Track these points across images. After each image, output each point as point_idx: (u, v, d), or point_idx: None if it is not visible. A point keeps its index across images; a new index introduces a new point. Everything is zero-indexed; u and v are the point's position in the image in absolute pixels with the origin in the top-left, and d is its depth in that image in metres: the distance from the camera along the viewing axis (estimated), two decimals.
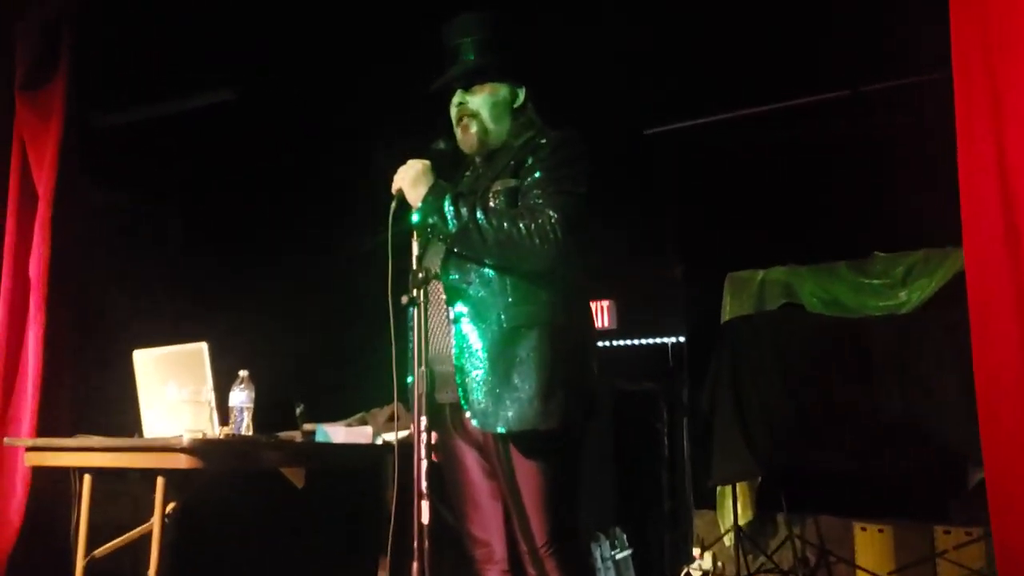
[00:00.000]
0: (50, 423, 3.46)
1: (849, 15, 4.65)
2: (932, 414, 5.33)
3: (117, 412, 3.37)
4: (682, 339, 6.84)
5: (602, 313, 6.97)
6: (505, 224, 2.38)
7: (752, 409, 6.00)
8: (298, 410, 3.41)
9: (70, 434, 3.22)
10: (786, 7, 4.73)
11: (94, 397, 3.95)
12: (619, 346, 7.05)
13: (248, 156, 5.50)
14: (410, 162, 2.49)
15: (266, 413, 3.22)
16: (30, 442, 3.10)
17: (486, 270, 2.46)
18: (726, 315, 6.43)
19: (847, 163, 5.76)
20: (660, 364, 6.84)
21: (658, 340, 6.94)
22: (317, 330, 5.38)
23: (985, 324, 2.28)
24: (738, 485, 6.12)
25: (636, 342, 7.02)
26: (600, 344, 6.91)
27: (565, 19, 4.78)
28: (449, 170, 2.59)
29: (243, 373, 3.14)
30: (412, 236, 2.46)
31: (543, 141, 2.54)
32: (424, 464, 2.26)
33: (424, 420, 2.30)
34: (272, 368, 3.49)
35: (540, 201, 2.43)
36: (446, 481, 2.66)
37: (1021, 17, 2.25)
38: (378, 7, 4.58)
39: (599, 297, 6.92)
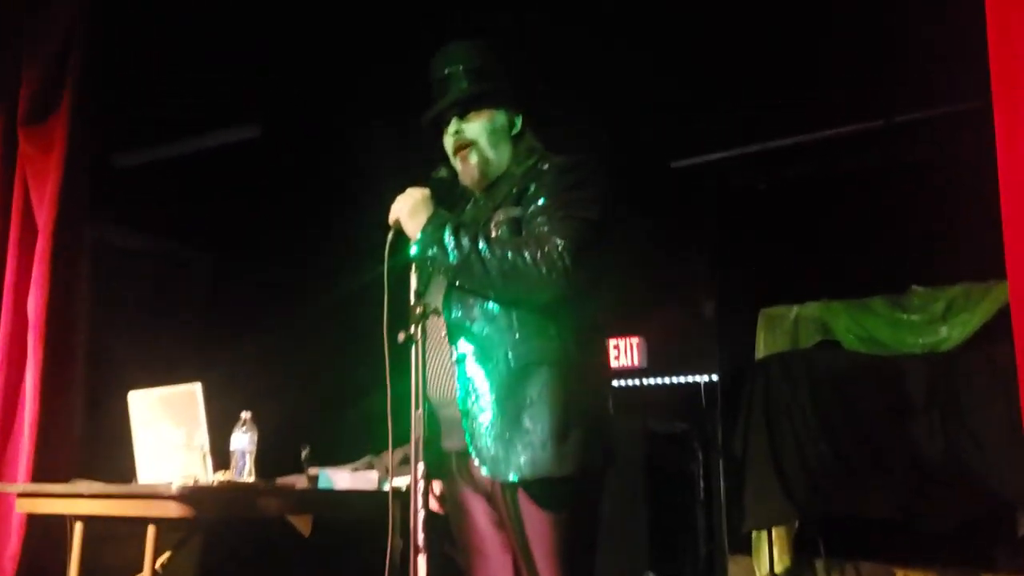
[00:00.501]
0: (48, 467, 3.33)
1: (882, 44, 4.53)
2: (977, 457, 5.13)
3: (117, 456, 3.25)
4: (715, 377, 6.64)
5: (632, 351, 6.84)
6: (509, 253, 2.22)
7: (787, 451, 5.84)
8: (304, 453, 3.27)
9: (67, 479, 3.10)
10: (818, 38, 4.65)
11: (94, 440, 3.84)
12: (650, 385, 6.88)
13: (249, 195, 5.48)
14: (408, 191, 2.35)
15: (271, 456, 3.09)
16: (20, 488, 2.98)
17: (491, 306, 2.30)
18: (760, 353, 6.31)
19: (882, 195, 5.62)
20: (693, 403, 6.65)
21: (690, 379, 6.75)
22: (326, 369, 5.27)
23: None
24: (774, 530, 5.94)
25: (667, 380, 6.84)
26: (630, 383, 6.93)
27: (595, 49, 4.71)
28: (450, 200, 2.44)
29: (245, 414, 3.02)
30: (411, 269, 2.30)
31: (546, 167, 2.39)
32: (422, 515, 2.09)
33: (422, 467, 2.13)
34: (277, 409, 3.37)
35: (546, 228, 2.26)
36: (453, 531, 2.49)
37: None
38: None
39: (629, 334, 6.78)
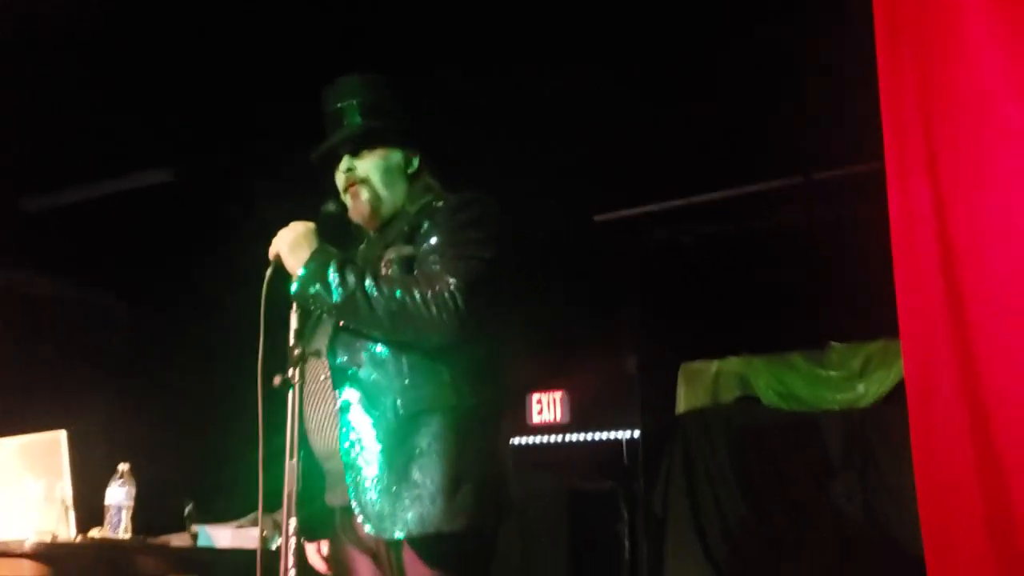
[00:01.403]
0: None
1: (801, 101, 4.56)
2: (895, 516, 5.07)
3: None
4: (637, 434, 6.55)
5: (555, 405, 6.76)
6: (398, 292, 2.09)
7: (707, 511, 5.81)
8: (187, 509, 3.06)
9: None
10: (737, 94, 4.65)
11: None
12: (572, 441, 6.77)
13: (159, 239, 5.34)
14: (291, 224, 2.20)
15: (150, 513, 2.88)
16: None
17: (379, 349, 2.16)
18: (680, 408, 6.26)
19: (801, 251, 5.63)
20: (616, 461, 6.54)
21: (613, 435, 6.65)
22: (214, 417, 5.06)
23: (925, 408, 2.09)
24: None
25: (590, 436, 6.73)
26: (553, 439, 6.81)
27: (515, 102, 4.66)
28: (340, 236, 2.29)
29: (123, 467, 2.83)
30: (291, 308, 2.15)
31: (440, 204, 2.28)
32: (292, 574, 1.91)
33: (293, 523, 1.96)
34: (164, 461, 3.16)
35: (438, 267, 2.14)
36: None
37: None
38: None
39: (552, 388, 6.70)
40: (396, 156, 2.38)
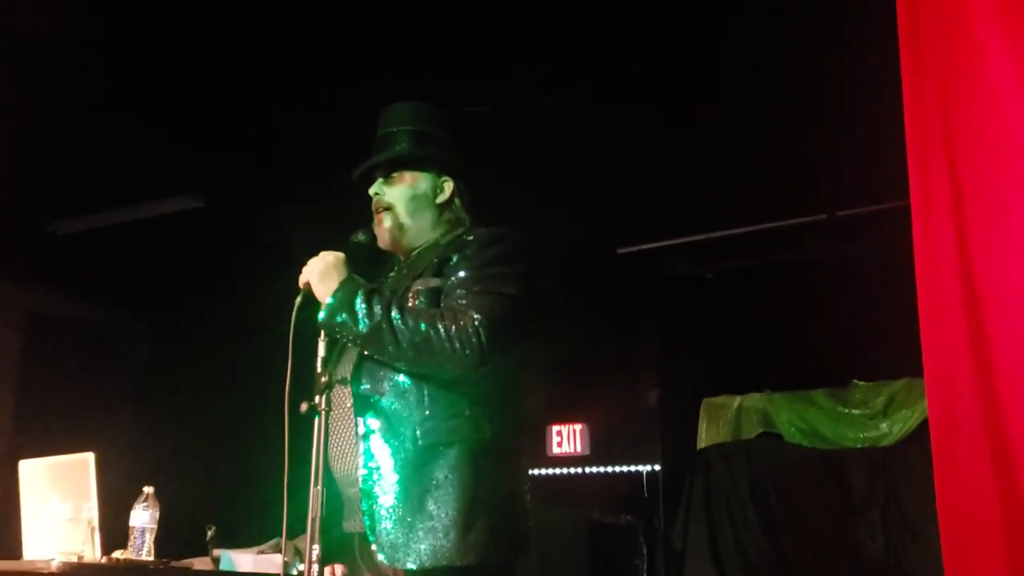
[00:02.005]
0: None
1: (827, 139, 4.57)
2: (916, 556, 5.01)
3: (7, 532, 3.04)
4: (657, 467, 6.52)
5: (575, 438, 6.75)
6: (423, 325, 2.11)
7: (727, 546, 5.75)
8: (209, 533, 3.07)
9: None
10: (765, 130, 4.68)
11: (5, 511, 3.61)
12: (592, 473, 6.75)
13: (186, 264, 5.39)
14: (322, 254, 2.23)
15: (173, 535, 2.90)
16: None
17: (402, 379, 2.17)
18: (701, 443, 6.26)
19: (826, 288, 5.60)
20: (636, 494, 6.52)
21: (633, 468, 6.63)
22: (240, 443, 5.08)
23: (950, 452, 2.07)
24: None
25: (610, 469, 6.72)
26: (573, 471, 6.79)
27: (541, 135, 4.70)
28: (368, 266, 2.33)
29: (148, 490, 2.84)
30: (319, 335, 2.17)
31: (470, 238, 2.29)
32: None
33: (317, 549, 1.97)
34: (184, 484, 3.17)
35: (464, 302, 2.16)
36: None
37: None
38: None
39: (572, 420, 6.69)
40: (425, 183, 2.40)
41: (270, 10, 3.94)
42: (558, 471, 6.67)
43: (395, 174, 2.39)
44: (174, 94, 4.45)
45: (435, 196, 2.41)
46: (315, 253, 2.27)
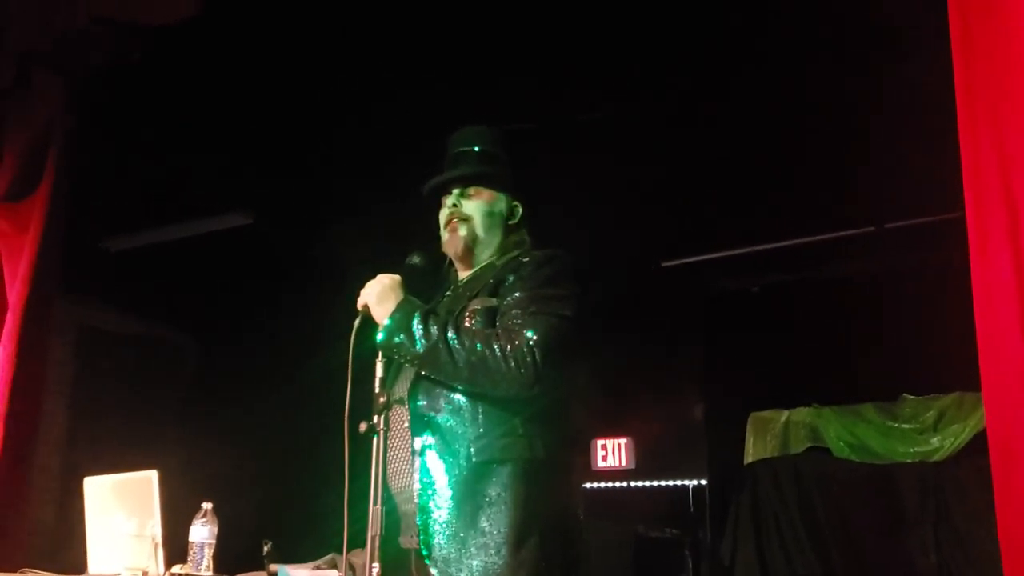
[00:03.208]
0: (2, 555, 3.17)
1: (875, 151, 4.55)
2: (969, 571, 4.93)
3: (79, 545, 3.10)
4: (704, 481, 6.49)
5: (620, 451, 6.74)
6: (478, 345, 2.15)
7: (776, 561, 5.68)
8: (265, 548, 3.12)
9: (16, 568, 2.94)
10: (812, 142, 4.66)
11: (63, 527, 3.69)
12: (637, 487, 6.73)
13: (238, 281, 5.45)
14: (379, 276, 2.28)
15: (229, 551, 2.95)
16: None
17: (457, 396, 2.21)
18: (748, 457, 6.21)
19: (875, 301, 5.57)
20: (681, 508, 6.49)
21: (679, 482, 6.60)
22: (296, 459, 5.13)
23: (1008, 473, 2.05)
24: None
25: (655, 483, 6.70)
26: (618, 485, 6.78)
27: (586, 149, 4.72)
28: (423, 287, 2.37)
29: (206, 505, 2.88)
30: (377, 356, 2.22)
31: (525, 259, 2.34)
32: None
33: (377, 567, 2.01)
34: (241, 500, 3.22)
35: (519, 322, 2.19)
36: None
37: None
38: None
39: (618, 434, 6.69)
40: (501, 204, 2.47)
41: (318, 27, 3.99)
42: (603, 485, 6.67)
43: (472, 189, 2.46)
44: (221, 113, 4.52)
45: (508, 217, 2.47)
46: (364, 270, 2.33)
